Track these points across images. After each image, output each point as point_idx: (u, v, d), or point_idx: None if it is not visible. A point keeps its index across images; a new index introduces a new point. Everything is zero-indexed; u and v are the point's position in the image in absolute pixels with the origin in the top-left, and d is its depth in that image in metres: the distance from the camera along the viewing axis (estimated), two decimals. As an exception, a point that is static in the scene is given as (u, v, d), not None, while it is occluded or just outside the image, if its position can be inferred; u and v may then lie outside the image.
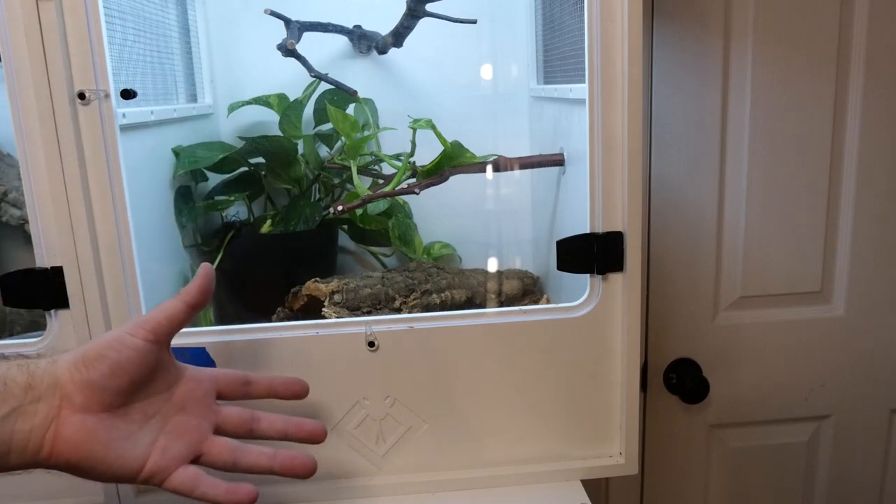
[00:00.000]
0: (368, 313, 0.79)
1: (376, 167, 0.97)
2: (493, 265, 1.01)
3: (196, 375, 0.55)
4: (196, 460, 0.52)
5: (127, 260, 0.64)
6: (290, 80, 0.93)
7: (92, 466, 0.48)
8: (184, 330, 0.67)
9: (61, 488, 0.68)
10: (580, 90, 0.69)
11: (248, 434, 0.55)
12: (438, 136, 0.83)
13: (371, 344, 0.66)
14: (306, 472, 0.54)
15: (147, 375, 0.51)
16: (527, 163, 0.89)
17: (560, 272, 0.68)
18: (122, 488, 0.67)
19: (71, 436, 0.47)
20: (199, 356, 0.66)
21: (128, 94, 0.67)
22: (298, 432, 0.55)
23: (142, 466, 0.50)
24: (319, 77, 0.89)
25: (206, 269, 0.55)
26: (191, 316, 0.54)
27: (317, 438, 0.56)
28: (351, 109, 0.93)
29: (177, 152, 0.85)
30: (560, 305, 0.69)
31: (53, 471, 0.48)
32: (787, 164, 0.97)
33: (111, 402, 0.49)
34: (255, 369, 0.66)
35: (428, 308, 0.82)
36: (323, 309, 0.79)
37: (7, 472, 0.47)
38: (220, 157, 0.87)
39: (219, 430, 0.54)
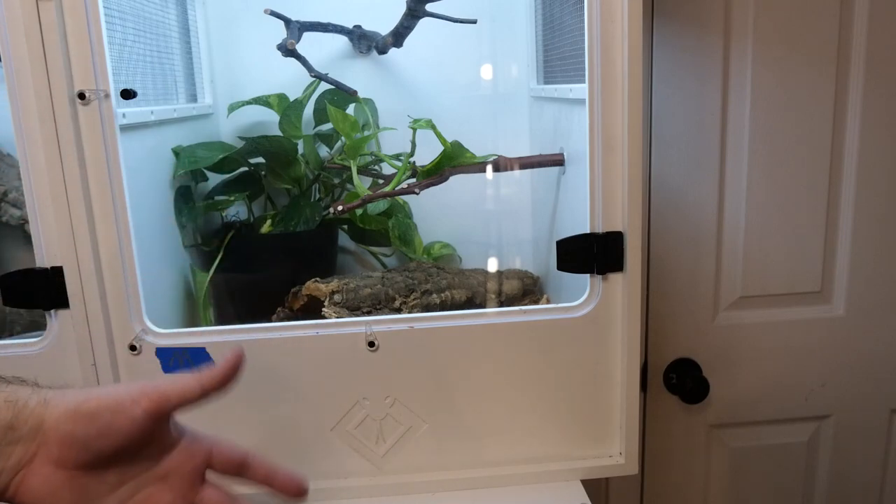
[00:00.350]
0: (368, 313, 0.79)
1: (376, 167, 0.97)
2: (493, 265, 1.01)
3: (191, 448, 0.51)
4: None
5: (127, 260, 0.64)
6: (290, 80, 0.93)
7: None
8: (185, 330, 0.67)
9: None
10: (580, 90, 0.69)
11: None
12: (438, 136, 0.83)
13: (371, 344, 0.66)
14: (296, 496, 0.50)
15: (136, 447, 0.48)
16: (527, 163, 0.89)
17: (560, 272, 0.68)
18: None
19: (35, 486, 0.45)
20: (199, 356, 0.66)
21: (128, 94, 0.67)
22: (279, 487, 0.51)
23: None
24: (319, 77, 0.89)
25: (236, 354, 0.50)
26: (203, 400, 0.50)
27: (293, 493, 0.51)
28: (351, 109, 0.93)
29: (177, 152, 0.85)
30: (560, 305, 0.69)
31: None
32: (787, 164, 0.97)
33: (89, 462, 0.47)
34: (255, 369, 0.66)
35: (428, 308, 0.82)
36: (323, 309, 0.79)
37: None
38: (220, 157, 0.87)
39: None
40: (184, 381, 0.49)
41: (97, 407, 0.46)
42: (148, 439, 0.48)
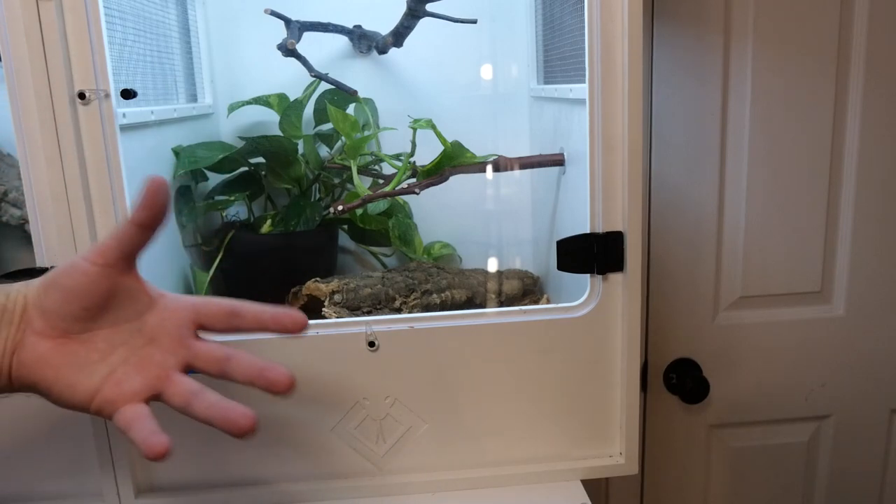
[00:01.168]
0: (368, 313, 0.79)
1: (376, 167, 0.97)
2: (493, 265, 1.01)
3: (172, 305, 0.52)
4: (157, 397, 0.50)
5: (127, 260, 0.64)
6: (290, 80, 0.93)
7: (45, 391, 0.49)
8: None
9: (61, 489, 0.68)
10: (580, 90, 0.69)
11: (220, 375, 0.52)
12: (438, 136, 0.83)
13: (371, 344, 0.66)
14: (238, 430, 0.50)
15: (101, 301, 0.49)
16: (527, 163, 0.89)
17: (560, 272, 0.68)
18: (123, 489, 0.67)
19: (26, 358, 0.48)
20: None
21: (128, 94, 0.67)
22: (259, 379, 0.51)
23: (92, 397, 0.49)
24: (319, 77, 0.89)
25: (152, 181, 0.49)
26: (143, 237, 0.50)
27: (280, 389, 0.51)
28: (351, 109, 0.93)
29: (177, 152, 0.85)
30: (560, 305, 0.69)
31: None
32: (787, 165, 0.97)
33: (68, 328, 0.49)
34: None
35: (428, 308, 0.82)
36: (323, 309, 0.79)
37: None
38: (220, 157, 0.87)
39: (190, 367, 0.51)
40: (117, 227, 0.50)
41: (56, 275, 0.49)
42: (112, 296, 0.50)
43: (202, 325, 0.52)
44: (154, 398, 0.50)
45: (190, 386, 0.50)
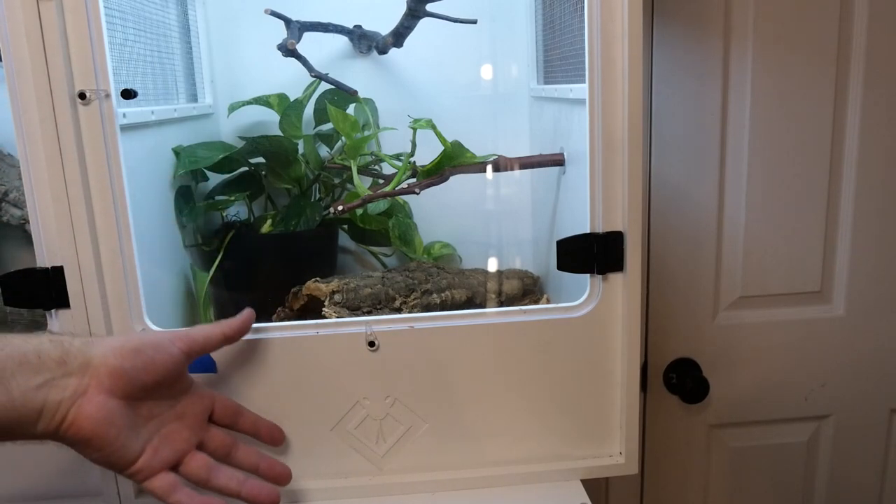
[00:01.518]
0: (369, 313, 0.79)
1: (376, 167, 0.97)
2: (493, 265, 1.01)
3: (200, 392, 0.60)
4: (175, 468, 0.56)
5: (127, 260, 0.64)
6: (290, 80, 0.93)
7: (100, 446, 0.52)
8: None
9: (62, 489, 0.68)
10: (580, 90, 0.69)
11: (226, 458, 0.60)
12: (438, 136, 0.83)
13: (371, 344, 0.67)
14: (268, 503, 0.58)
15: (168, 381, 0.56)
16: (527, 163, 0.89)
17: (560, 272, 0.68)
18: (123, 489, 0.67)
19: (93, 413, 0.51)
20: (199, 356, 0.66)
21: (128, 94, 0.67)
22: (268, 471, 0.61)
23: (135, 460, 0.53)
24: (320, 77, 0.89)
25: (249, 313, 0.62)
26: (221, 345, 0.60)
27: (282, 482, 0.61)
28: (351, 109, 0.93)
29: (177, 152, 0.85)
30: (560, 305, 0.69)
31: (62, 446, 0.52)
32: (787, 164, 0.97)
33: (132, 393, 0.53)
34: (255, 369, 0.66)
35: (428, 308, 0.82)
36: (323, 309, 0.79)
37: (22, 441, 0.50)
38: (221, 157, 0.87)
39: (201, 447, 0.59)
40: (207, 328, 0.59)
41: (140, 344, 0.55)
42: (175, 378, 0.57)
43: (212, 416, 0.61)
44: (173, 469, 0.56)
45: (207, 461, 0.58)
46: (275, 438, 0.65)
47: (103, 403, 0.51)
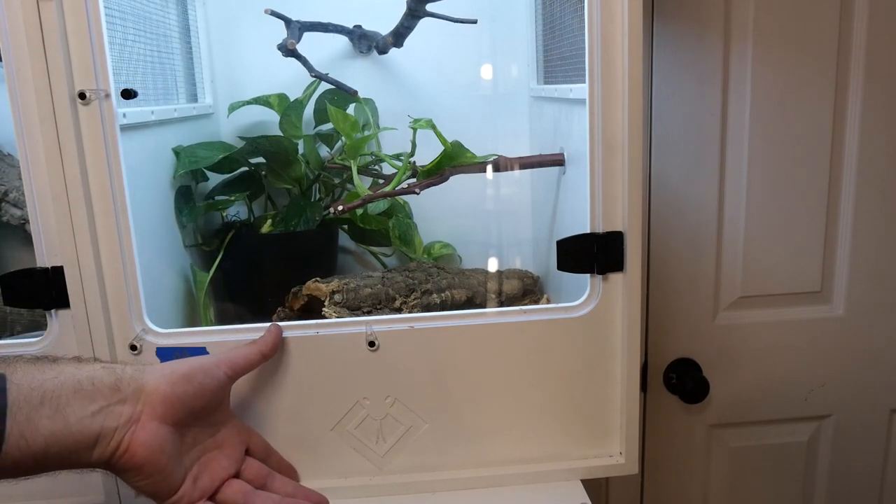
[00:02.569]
0: (369, 313, 0.79)
1: (376, 167, 0.97)
2: (493, 265, 1.01)
3: (238, 424, 0.61)
4: (212, 496, 0.56)
5: (127, 260, 0.64)
6: (290, 80, 0.93)
7: (150, 473, 0.52)
8: (185, 329, 0.67)
9: (62, 488, 0.68)
10: (580, 90, 0.69)
11: (262, 488, 0.60)
12: (439, 135, 0.83)
13: (371, 344, 0.67)
14: None
15: (214, 406, 0.57)
16: (527, 163, 0.89)
17: (560, 272, 0.68)
18: (123, 489, 0.67)
19: (147, 439, 0.51)
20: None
21: (128, 94, 0.67)
22: (305, 500, 0.60)
23: (177, 489, 0.53)
24: (320, 77, 0.89)
25: (277, 328, 0.64)
26: (259, 364, 0.62)
27: None
28: (351, 109, 0.93)
29: (177, 152, 0.85)
30: (560, 305, 0.69)
31: (109, 474, 0.52)
32: (786, 164, 0.97)
33: (183, 419, 0.54)
34: (255, 370, 0.66)
35: (428, 308, 0.82)
36: (323, 309, 0.79)
37: (77, 469, 0.50)
38: (221, 156, 0.87)
39: (237, 477, 0.59)
40: (245, 349, 0.61)
41: (190, 370, 0.55)
42: (219, 403, 0.57)
43: (248, 449, 0.61)
44: (210, 498, 0.56)
45: (244, 487, 0.58)
46: (291, 478, 0.66)
47: (156, 430, 0.52)
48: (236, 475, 0.59)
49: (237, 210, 0.96)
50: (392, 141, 0.96)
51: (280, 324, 0.68)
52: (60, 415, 0.48)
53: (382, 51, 0.97)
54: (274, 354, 0.63)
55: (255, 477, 0.60)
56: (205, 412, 0.56)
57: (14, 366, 0.49)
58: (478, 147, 0.86)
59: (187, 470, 0.55)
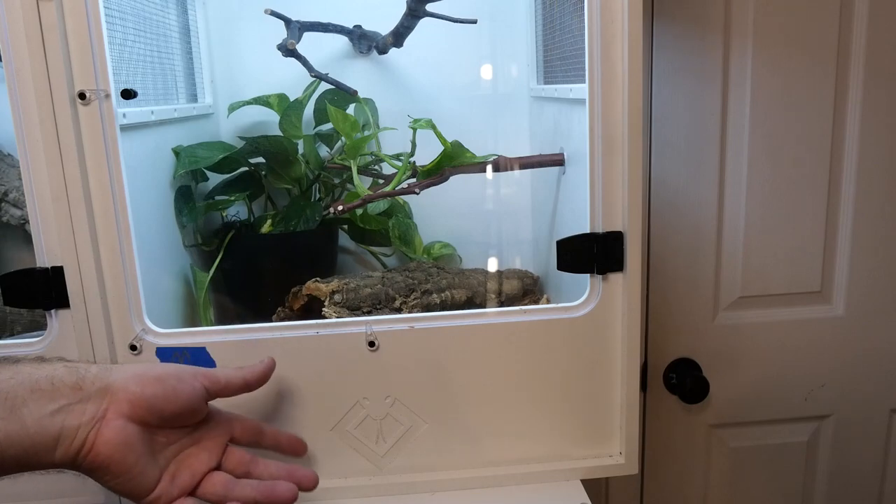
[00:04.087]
0: (369, 313, 0.79)
1: (376, 167, 0.97)
2: (493, 265, 1.01)
3: (219, 418, 0.59)
4: (193, 490, 0.55)
5: (127, 260, 0.64)
6: (290, 80, 0.93)
7: (119, 472, 0.51)
8: (185, 329, 0.67)
9: (63, 488, 0.68)
10: (580, 90, 0.69)
11: (245, 475, 0.58)
12: (438, 135, 0.83)
13: (371, 344, 0.67)
14: (286, 500, 0.57)
15: (188, 415, 0.55)
16: (527, 163, 0.89)
17: (560, 272, 0.68)
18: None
19: (112, 437, 0.50)
20: (200, 356, 0.66)
21: (128, 94, 0.67)
22: (290, 479, 0.59)
23: (153, 488, 0.53)
24: (320, 77, 0.89)
25: (271, 361, 0.62)
26: (241, 391, 0.60)
27: (306, 485, 0.59)
28: (351, 109, 0.93)
29: (177, 152, 0.85)
30: (560, 305, 0.69)
31: (76, 474, 0.51)
32: (786, 164, 0.97)
33: (151, 421, 0.53)
34: (255, 369, 0.66)
35: (428, 308, 0.82)
36: (323, 309, 0.79)
37: (40, 471, 0.49)
38: (221, 157, 0.87)
39: (220, 467, 0.58)
40: (230, 371, 0.59)
41: (163, 373, 0.54)
42: (192, 413, 0.56)
43: (233, 438, 0.60)
44: (190, 494, 0.55)
45: (224, 478, 0.57)
46: (296, 449, 0.64)
47: (122, 428, 0.51)
48: (218, 467, 0.57)
49: (237, 210, 0.96)
50: (392, 141, 0.96)
51: (280, 324, 0.68)
52: (15, 415, 0.47)
53: (382, 51, 0.97)
54: (259, 386, 0.61)
55: (238, 465, 0.58)
56: (176, 419, 0.54)
57: None
58: (478, 147, 0.86)
59: (163, 468, 0.54)
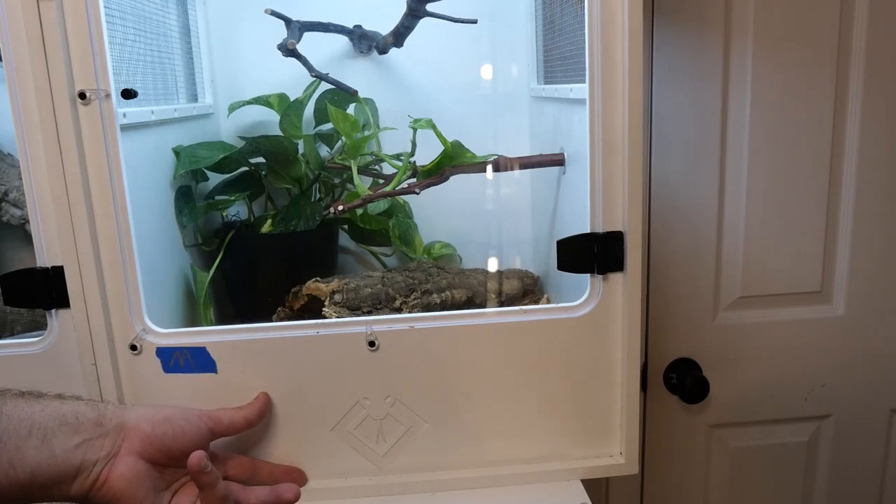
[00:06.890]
0: (369, 313, 0.79)
1: (376, 167, 0.97)
2: (493, 265, 1.01)
3: (212, 458, 0.60)
4: None
5: (127, 260, 0.64)
6: (290, 79, 0.93)
7: None
8: (185, 329, 0.67)
9: (62, 488, 0.68)
10: (580, 90, 0.69)
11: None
12: (439, 135, 0.83)
13: (371, 344, 0.67)
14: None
15: (191, 453, 0.57)
16: (527, 163, 0.89)
17: (560, 272, 0.68)
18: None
19: (124, 472, 0.53)
20: (200, 356, 0.66)
21: (128, 94, 0.67)
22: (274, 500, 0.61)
23: None
24: (320, 77, 0.89)
25: (265, 397, 0.65)
26: (244, 430, 0.63)
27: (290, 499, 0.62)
28: (351, 109, 0.93)
29: (177, 152, 0.85)
30: (560, 305, 0.69)
31: None
32: (787, 164, 0.97)
33: (159, 459, 0.56)
34: (255, 369, 0.66)
35: (428, 308, 0.82)
36: (323, 309, 0.79)
37: (53, 502, 0.51)
38: (221, 156, 0.87)
39: None
40: (232, 412, 0.63)
41: (172, 415, 0.58)
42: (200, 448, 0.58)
43: (227, 476, 0.63)
44: None
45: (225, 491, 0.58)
46: (295, 481, 0.66)
47: (133, 464, 0.54)
48: None
49: (237, 210, 0.96)
50: (392, 141, 0.96)
51: (280, 324, 0.68)
52: (47, 445, 0.50)
53: (382, 51, 0.97)
54: (259, 423, 0.65)
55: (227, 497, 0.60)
56: (182, 457, 0.56)
57: (3, 397, 0.51)
58: (478, 147, 0.86)
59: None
